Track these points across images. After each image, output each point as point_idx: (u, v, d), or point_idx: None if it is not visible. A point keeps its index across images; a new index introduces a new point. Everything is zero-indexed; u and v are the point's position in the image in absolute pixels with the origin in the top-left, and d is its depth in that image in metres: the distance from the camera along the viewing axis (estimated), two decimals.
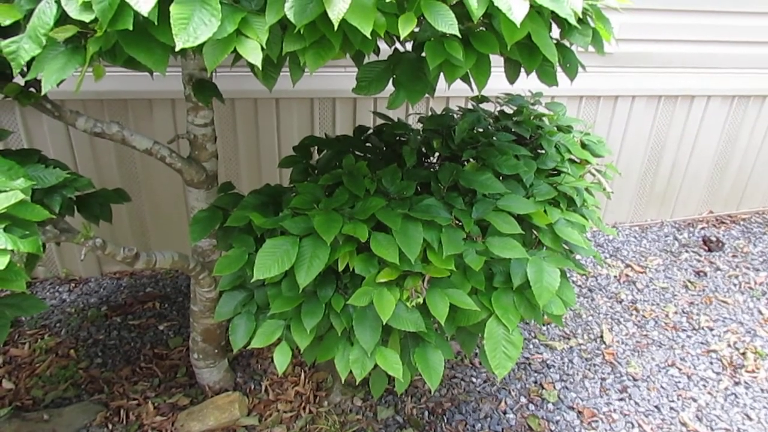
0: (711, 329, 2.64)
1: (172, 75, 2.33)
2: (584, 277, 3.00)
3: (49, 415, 1.94)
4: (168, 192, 2.68)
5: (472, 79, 1.27)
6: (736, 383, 2.33)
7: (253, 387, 2.17)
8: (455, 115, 2.01)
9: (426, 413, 2.10)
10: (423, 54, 1.17)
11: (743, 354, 2.49)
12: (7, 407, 1.98)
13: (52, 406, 2.03)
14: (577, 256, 3.09)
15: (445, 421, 2.08)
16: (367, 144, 1.92)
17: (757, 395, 2.27)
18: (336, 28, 0.91)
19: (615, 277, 3.01)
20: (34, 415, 1.94)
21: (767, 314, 2.76)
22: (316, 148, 1.92)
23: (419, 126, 2.00)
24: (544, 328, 2.60)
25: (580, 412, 2.16)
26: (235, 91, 2.50)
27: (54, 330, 2.40)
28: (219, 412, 2.00)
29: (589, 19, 1.37)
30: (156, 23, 0.91)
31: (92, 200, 1.77)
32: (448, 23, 1.02)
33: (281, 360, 1.44)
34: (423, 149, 1.90)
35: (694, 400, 2.24)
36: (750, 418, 2.17)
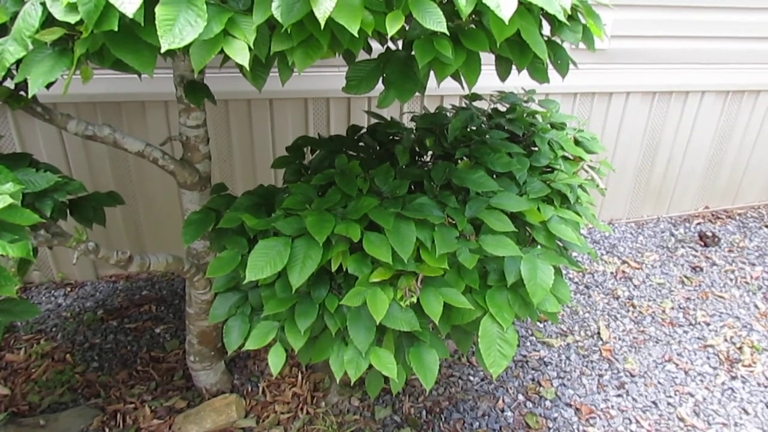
0: (708, 324, 2.64)
1: (164, 77, 2.32)
2: (581, 273, 3.00)
3: (45, 421, 1.94)
4: (162, 194, 2.67)
5: (462, 78, 1.27)
6: (733, 378, 2.33)
7: (250, 389, 2.17)
8: (448, 114, 2.01)
9: (424, 412, 2.10)
10: (413, 52, 1.16)
11: (740, 348, 2.49)
12: (3, 413, 1.98)
13: (48, 411, 2.02)
14: (573, 253, 3.09)
15: (443, 419, 2.08)
16: (360, 143, 1.92)
17: (754, 389, 2.27)
18: (323, 27, 0.91)
19: (611, 273, 3.01)
20: (30, 421, 1.93)
21: (763, 308, 2.76)
22: (310, 148, 1.91)
23: (412, 125, 2.00)
24: (541, 325, 2.60)
25: (577, 409, 2.16)
26: (229, 92, 2.50)
27: (50, 334, 2.39)
28: (216, 415, 1.99)
29: (579, 15, 1.37)
30: (142, 24, 0.91)
31: (85, 204, 1.77)
32: (436, 21, 1.01)
33: (276, 361, 1.44)
34: (416, 148, 1.90)
35: (692, 396, 2.24)
36: (747, 413, 2.17)
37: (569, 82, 2.91)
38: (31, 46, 0.96)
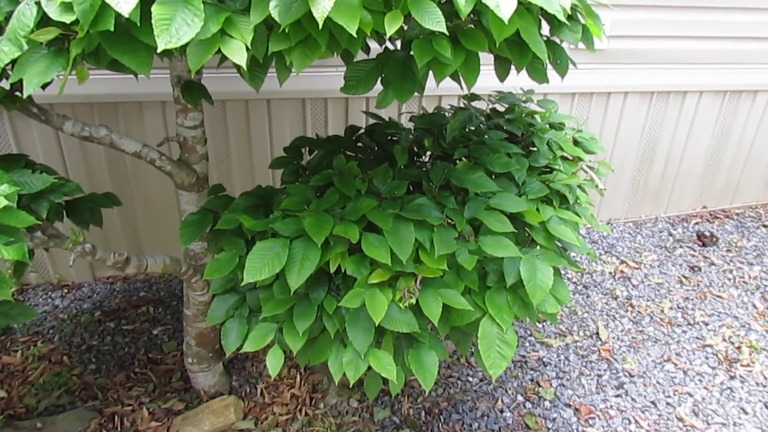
0: (706, 324, 2.64)
1: (162, 77, 2.31)
2: (579, 273, 2.99)
3: (42, 423, 1.92)
4: (160, 195, 2.66)
5: (461, 78, 1.26)
6: (732, 377, 2.33)
7: (248, 390, 2.16)
8: (447, 114, 2.00)
9: (423, 413, 2.10)
10: (411, 52, 1.16)
11: (738, 348, 2.49)
12: (0, 416, 1.96)
13: (45, 414, 2.01)
14: (572, 253, 3.09)
15: (442, 420, 2.07)
16: (359, 144, 1.91)
17: (752, 389, 2.27)
18: (321, 26, 0.90)
19: (610, 273, 3.01)
20: (27, 424, 1.92)
21: (761, 308, 2.76)
22: (308, 148, 1.91)
23: (411, 125, 1.99)
24: (540, 325, 2.59)
25: (576, 410, 2.15)
26: (226, 93, 2.49)
27: (47, 336, 2.38)
28: (214, 417, 1.98)
29: (578, 15, 1.36)
30: (139, 24, 0.90)
31: (82, 205, 1.75)
32: (435, 21, 1.01)
33: (274, 363, 1.43)
34: (414, 148, 1.89)
35: (691, 395, 2.24)
36: (746, 412, 2.17)
37: (567, 82, 2.90)
38: (26, 46, 0.95)
